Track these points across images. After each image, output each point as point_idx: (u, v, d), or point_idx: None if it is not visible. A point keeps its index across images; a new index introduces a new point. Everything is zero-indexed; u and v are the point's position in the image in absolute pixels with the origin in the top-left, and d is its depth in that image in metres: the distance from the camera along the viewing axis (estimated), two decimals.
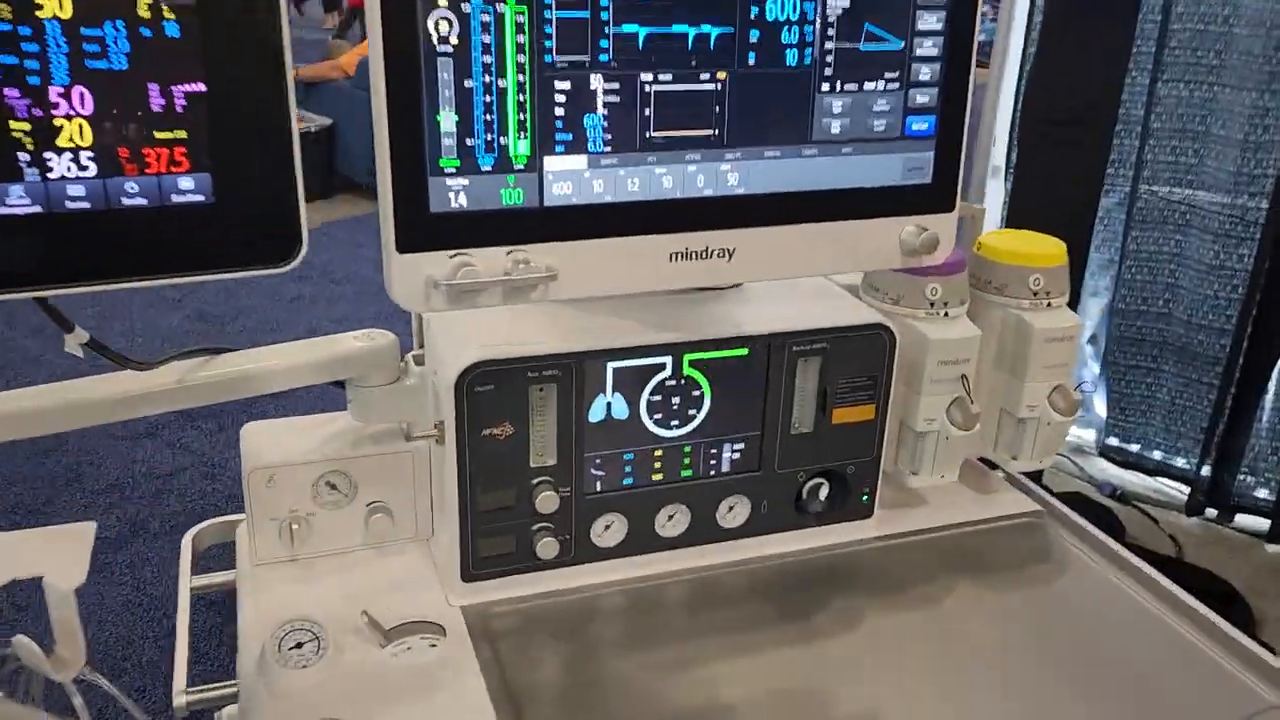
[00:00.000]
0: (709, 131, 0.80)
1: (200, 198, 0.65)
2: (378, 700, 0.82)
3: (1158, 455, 2.65)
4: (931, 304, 1.03)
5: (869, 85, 0.84)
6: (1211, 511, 2.48)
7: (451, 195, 0.74)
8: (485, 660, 0.87)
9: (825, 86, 0.82)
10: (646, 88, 0.77)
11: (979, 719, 0.84)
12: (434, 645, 0.88)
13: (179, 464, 2.77)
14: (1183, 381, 2.55)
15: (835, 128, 0.84)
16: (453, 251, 0.74)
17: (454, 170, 0.73)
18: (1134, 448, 2.68)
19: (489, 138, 0.73)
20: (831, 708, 0.84)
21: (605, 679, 0.86)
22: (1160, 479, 2.63)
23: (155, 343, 3.47)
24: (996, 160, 2.59)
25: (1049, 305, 1.06)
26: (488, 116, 0.73)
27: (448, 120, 0.72)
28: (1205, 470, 2.44)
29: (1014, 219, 2.44)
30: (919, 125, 0.87)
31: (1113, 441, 2.68)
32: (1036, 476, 1.19)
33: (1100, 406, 2.68)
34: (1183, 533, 2.47)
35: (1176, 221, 2.48)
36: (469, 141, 0.73)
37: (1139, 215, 2.51)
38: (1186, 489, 2.53)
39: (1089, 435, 2.75)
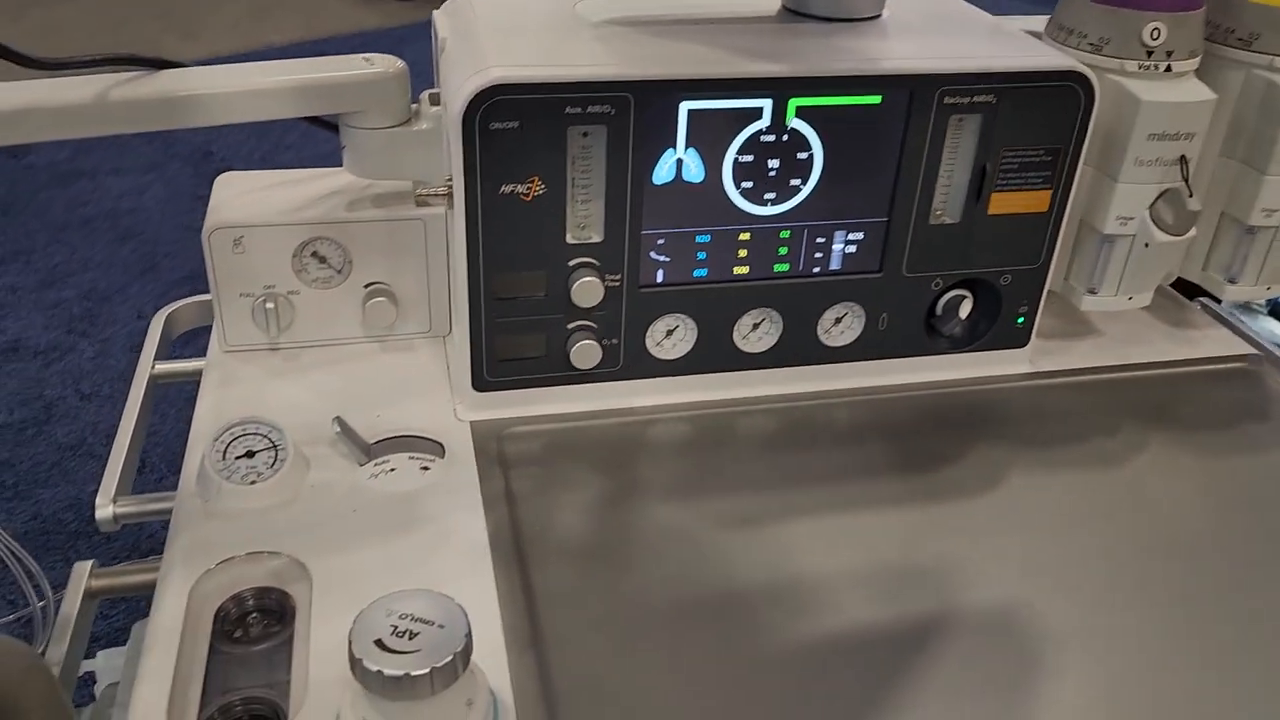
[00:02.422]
0: None
1: None
2: (339, 533, 0.62)
3: None
4: (1149, 52, 0.73)
5: None
6: None
7: None
8: (491, 494, 0.65)
9: None
10: None
11: (1165, 624, 0.59)
12: (426, 468, 0.67)
13: None
14: None
15: None
16: None
17: None
18: None
19: None
20: (956, 593, 0.60)
21: (647, 531, 0.64)
22: None
23: (244, 135, 3.30)
24: None
25: None
26: None
27: None
28: None
29: None
30: None
31: None
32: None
33: None
34: None
35: None
36: None
37: None
38: None
39: None
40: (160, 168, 3.05)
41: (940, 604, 0.59)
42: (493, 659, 0.54)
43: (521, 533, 0.63)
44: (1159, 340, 0.85)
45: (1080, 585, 0.61)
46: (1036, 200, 0.73)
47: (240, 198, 0.77)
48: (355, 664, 0.46)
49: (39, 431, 1.95)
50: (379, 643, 0.47)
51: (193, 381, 0.86)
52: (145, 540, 1.74)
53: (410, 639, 0.47)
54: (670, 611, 0.58)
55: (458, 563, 0.60)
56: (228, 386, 0.75)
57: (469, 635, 0.48)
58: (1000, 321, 0.78)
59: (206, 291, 0.87)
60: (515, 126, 0.63)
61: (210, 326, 0.86)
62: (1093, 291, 0.79)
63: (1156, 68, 0.73)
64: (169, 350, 0.89)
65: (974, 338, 0.78)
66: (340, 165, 0.80)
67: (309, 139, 3.24)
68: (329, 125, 0.76)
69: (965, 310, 0.77)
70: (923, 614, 0.59)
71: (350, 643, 0.47)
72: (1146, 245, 0.76)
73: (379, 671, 0.45)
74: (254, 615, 0.59)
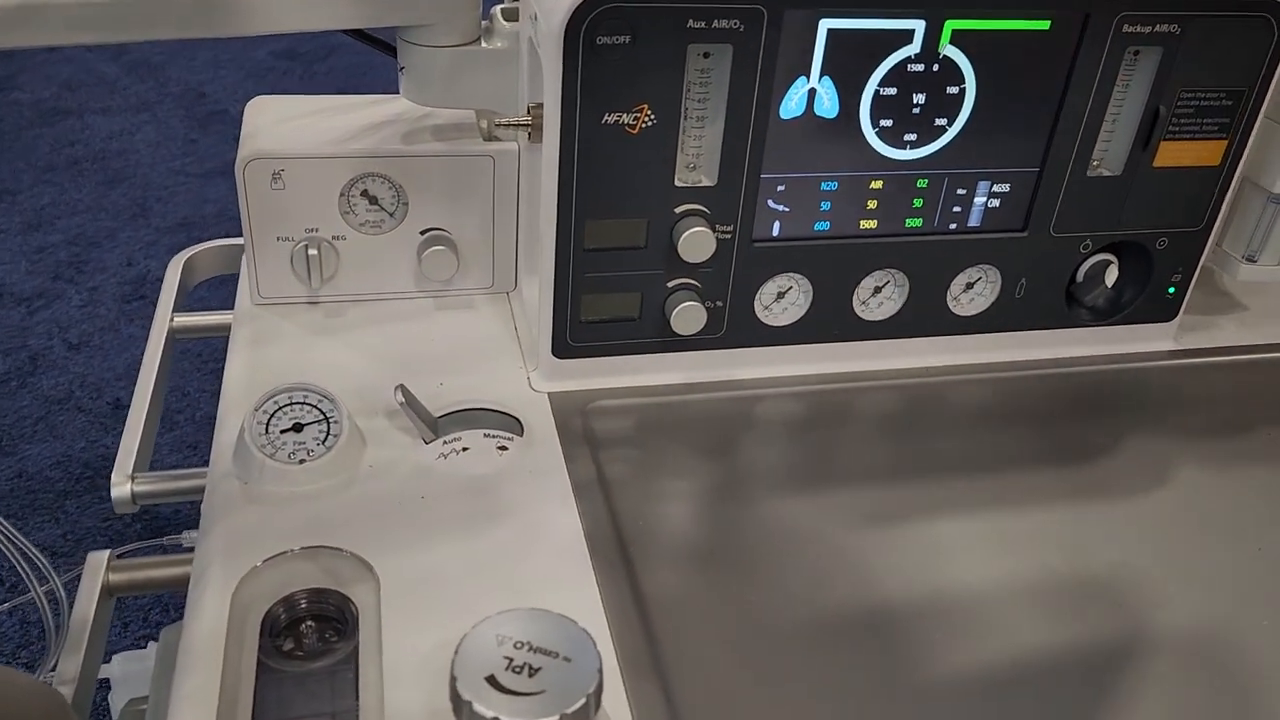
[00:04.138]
0: None
1: None
2: (406, 524, 0.52)
3: None
4: None
5: None
6: None
7: None
8: (582, 479, 0.55)
9: None
10: None
11: None
12: (504, 448, 0.57)
13: None
14: None
15: None
16: None
17: None
18: None
19: None
20: (1143, 611, 0.51)
21: (768, 528, 0.54)
22: None
23: (240, 77, 3.15)
24: None
25: None
26: None
27: None
28: None
29: None
30: None
31: None
32: None
33: None
34: None
35: None
36: None
37: None
38: None
39: None
40: (152, 108, 2.90)
41: (1127, 624, 0.50)
42: (608, 688, 0.44)
43: (622, 528, 0.53)
44: None
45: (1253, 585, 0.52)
46: (1209, 152, 0.63)
47: (280, 125, 0.66)
48: (462, 707, 0.37)
49: (23, 384, 1.83)
50: (491, 679, 0.37)
51: (209, 335, 0.76)
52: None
53: (530, 675, 0.37)
54: (809, 629, 0.49)
55: (552, 564, 0.50)
56: (262, 345, 0.64)
57: (600, 670, 0.38)
58: (1149, 291, 0.68)
59: (200, 239, 0.77)
60: (626, 42, 0.52)
61: (233, 275, 0.76)
62: (1251, 260, 0.70)
63: None
64: (186, 301, 0.78)
65: (1117, 309, 0.69)
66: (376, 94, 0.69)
67: (310, 81, 3.10)
68: (384, 45, 0.65)
69: (1111, 277, 0.67)
70: (1109, 636, 0.49)
71: (454, 678, 0.37)
72: None
73: (495, 719, 0.36)
74: (308, 623, 0.49)
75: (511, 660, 0.38)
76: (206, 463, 0.54)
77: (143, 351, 2.12)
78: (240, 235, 0.68)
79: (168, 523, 1.62)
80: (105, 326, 2.04)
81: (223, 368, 0.62)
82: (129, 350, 1.96)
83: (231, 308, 0.69)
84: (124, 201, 2.49)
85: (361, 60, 3.33)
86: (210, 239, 2.71)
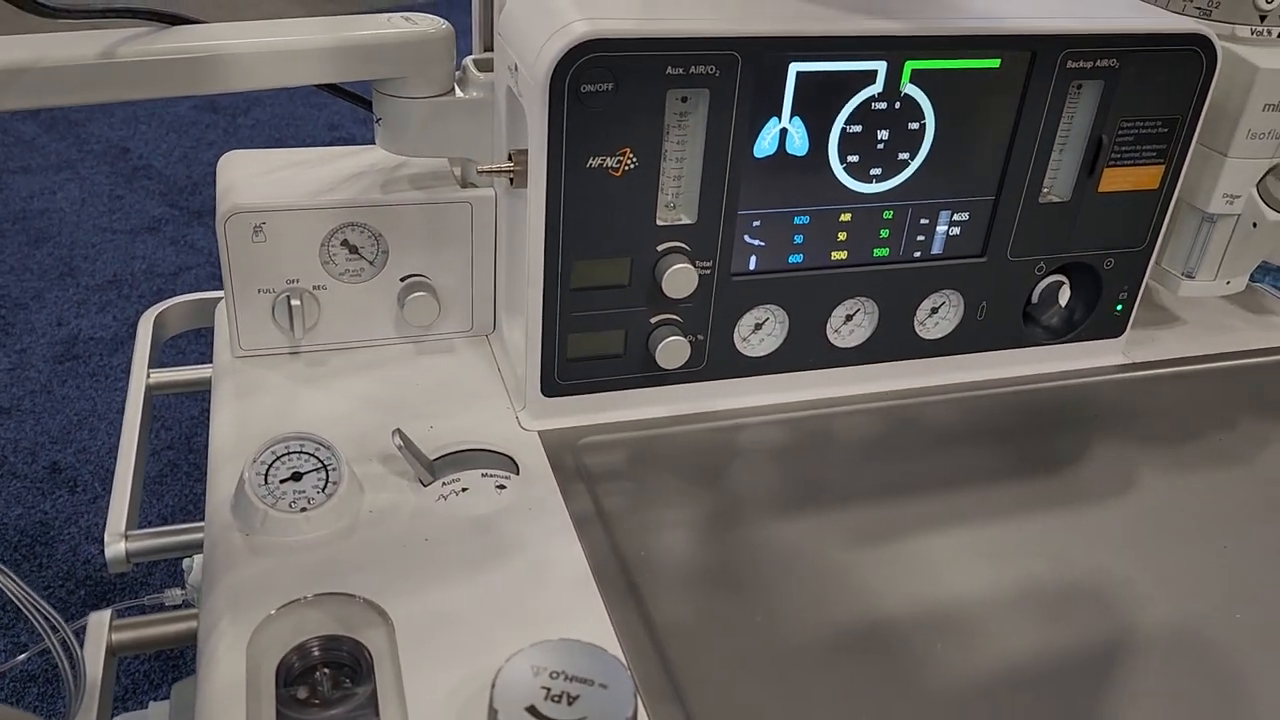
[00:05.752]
0: None
1: None
2: (413, 567, 0.52)
3: None
4: (1263, 17, 0.67)
5: None
6: None
7: None
8: (581, 513, 0.57)
9: None
10: None
11: None
12: (502, 487, 0.58)
13: (183, 263, 2.47)
14: None
15: None
16: None
17: None
18: None
19: None
20: (1131, 612, 0.53)
21: (766, 551, 0.56)
22: None
23: (162, 131, 3.11)
24: None
25: None
26: None
27: None
28: None
29: None
30: None
31: None
32: None
33: None
34: None
35: None
36: None
37: None
38: None
39: None
40: (73, 166, 2.85)
41: (1112, 624, 0.53)
42: None
43: (625, 558, 0.54)
44: (1243, 327, 0.80)
45: (1267, 600, 0.55)
46: (1148, 176, 0.67)
47: (257, 179, 0.66)
48: None
49: None
50: (533, 710, 0.38)
51: (186, 390, 0.76)
52: (82, 566, 1.60)
53: (570, 703, 0.39)
54: (816, 645, 0.50)
55: (562, 597, 0.51)
56: (248, 397, 0.64)
57: (636, 694, 0.39)
58: (1098, 309, 0.72)
59: (131, 297, 0.77)
60: (609, 89, 0.54)
61: (201, 330, 0.76)
62: (1189, 276, 0.74)
63: (1269, 33, 0.68)
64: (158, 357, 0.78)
65: (1070, 327, 0.72)
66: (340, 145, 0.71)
67: (235, 135, 3.07)
68: (358, 98, 0.67)
69: (1064, 297, 0.71)
70: (1097, 636, 0.52)
71: (495, 711, 0.38)
72: (1254, 225, 0.70)
73: None
74: (322, 671, 0.49)
75: (549, 689, 0.39)
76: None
77: (80, 413, 2.04)
78: (202, 289, 0.68)
79: (111, 587, 1.58)
80: (37, 389, 1.98)
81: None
82: (63, 412, 1.91)
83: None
84: (49, 261, 2.44)
85: (285, 111, 3.32)
86: (141, 296, 2.65)
